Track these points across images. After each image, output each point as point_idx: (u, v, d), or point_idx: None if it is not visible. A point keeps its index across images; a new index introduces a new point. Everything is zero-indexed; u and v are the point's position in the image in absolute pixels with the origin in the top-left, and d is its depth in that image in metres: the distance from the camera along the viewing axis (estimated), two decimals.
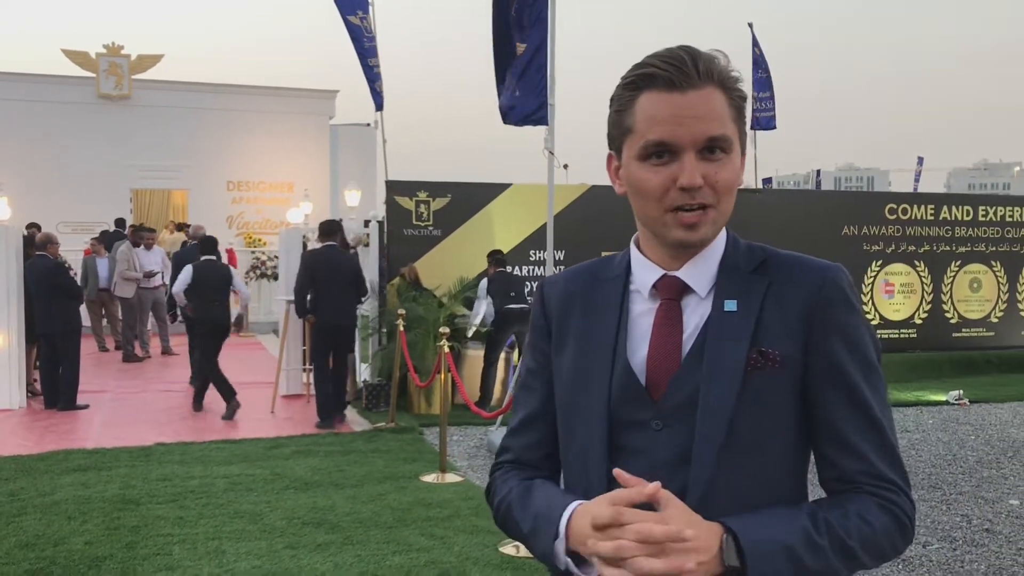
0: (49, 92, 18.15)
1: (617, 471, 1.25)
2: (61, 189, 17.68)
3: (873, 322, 12.13)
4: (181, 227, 17.28)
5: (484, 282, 9.59)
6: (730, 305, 1.35)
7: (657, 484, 1.21)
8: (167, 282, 14.01)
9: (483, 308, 9.42)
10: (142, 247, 13.43)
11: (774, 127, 16.48)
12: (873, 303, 12.15)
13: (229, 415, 9.03)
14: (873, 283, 12.16)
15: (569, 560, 1.31)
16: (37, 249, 9.55)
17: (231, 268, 10.35)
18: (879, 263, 12.19)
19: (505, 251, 10.25)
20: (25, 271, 9.50)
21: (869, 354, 1.35)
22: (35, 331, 9.49)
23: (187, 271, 9.35)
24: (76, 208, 17.64)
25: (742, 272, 1.38)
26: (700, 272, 1.38)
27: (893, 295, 12.27)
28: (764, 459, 1.33)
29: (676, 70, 1.29)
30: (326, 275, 8.62)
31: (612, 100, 1.39)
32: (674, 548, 1.17)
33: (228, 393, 9.13)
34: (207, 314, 9.27)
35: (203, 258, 9.55)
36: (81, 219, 17.42)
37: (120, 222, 16.94)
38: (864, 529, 1.28)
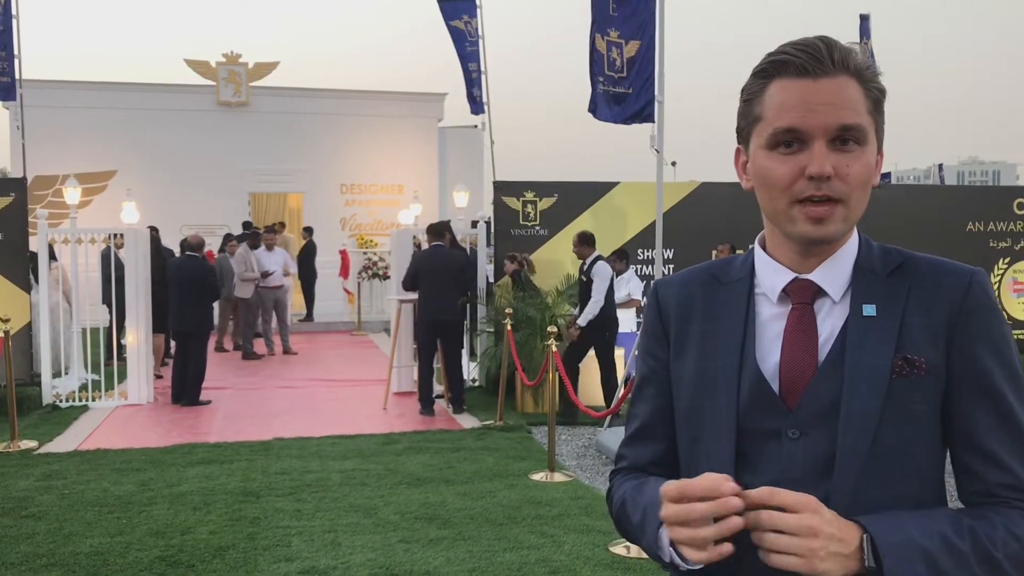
0: (172, 101, 18.89)
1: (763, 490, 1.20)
2: (182, 193, 18.38)
3: None
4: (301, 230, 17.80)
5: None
6: (868, 310, 1.30)
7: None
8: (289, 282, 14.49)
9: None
10: (263, 248, 13.86)
11: None
12: (1001, 302, 11.59)
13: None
14: (1000, 281, 11.62)
15: (672, 549, 1.27)
16: (192, 250, 9.98)
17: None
18: (1007, 260, 11.64)
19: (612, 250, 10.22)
20: (171, 270, 9.94)
21: (1014, 361, 1.29)
22: (171, 327, 9.93)
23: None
24: (197, 211, 18.32)
25: (878, 275, 1.32)
26: (834, 275, 1.33)
27: (1022, 293, 11.69)
28: (907, 469, 1.27)
29: (810, 57, 1.25)
30: (430, 274, 9.02)
31: (743, 90, 1.34)
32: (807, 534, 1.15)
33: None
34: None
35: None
36: (202, 222, 18.12)
37: (247, 224, 17.48)
38: (1012, 543, 1.21)
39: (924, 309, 1.29)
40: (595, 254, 9.02)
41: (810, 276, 1.33)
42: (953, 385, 1.28)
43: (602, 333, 8.81)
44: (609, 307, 8.88)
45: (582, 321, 8.76)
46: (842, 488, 1.24)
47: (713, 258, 10.44)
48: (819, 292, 1.33)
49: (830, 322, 1.32)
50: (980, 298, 1.29)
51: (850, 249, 1.34)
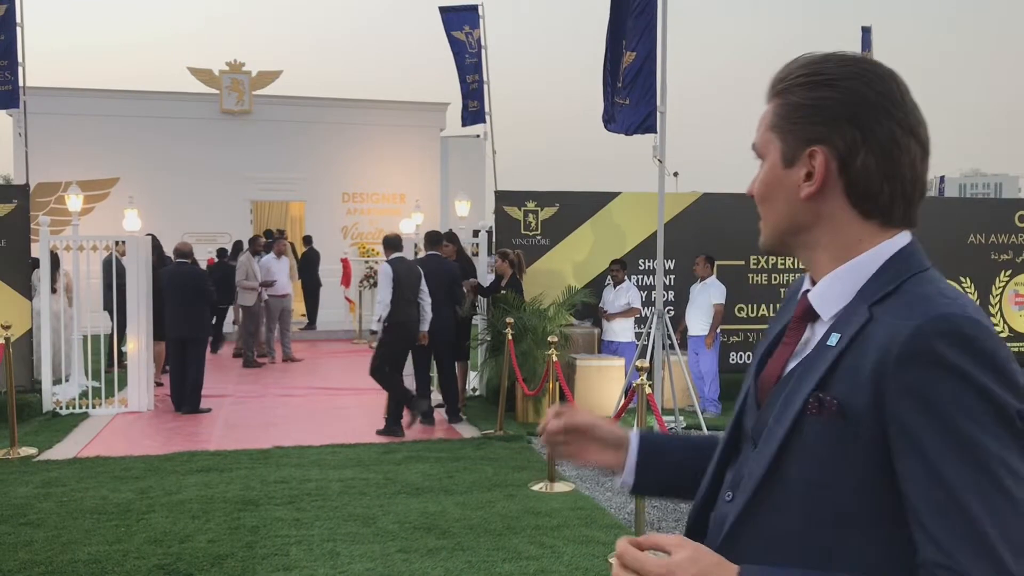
0: (175, 108, 18.94)
1: None
2: (185, 201, 18.41)
3: (1001, 334, 11.55)
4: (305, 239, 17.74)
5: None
6: (832, 339, 1.22)
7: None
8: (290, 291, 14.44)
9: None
10: (271, 255, 13.84)
11: None
12: (1002, 315, 11.58)
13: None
14: (1002, 294, 11.60)
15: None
16: (183, 257, 9.98)
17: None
18: (1008, 273, 11.62)
19: (612, 259, 10.24)
20: (165, 277, 9.94)
21: (957, 420, 1.08)
22: (167, 334, 9.92)
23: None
24: (199, 219, 18.36)
25: (865, 302, 1.22)
26: (830, 294, 1.27)
27: (1023, 307, 11.68)
28: (814, 510, 1.18)
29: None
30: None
31: None
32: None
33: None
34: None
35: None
36: (203, 230, 18.14)
37: (268, 233, 17.41)
38: None
39: (864, 350, 1.18)
40: (391, 256, 8.74)
41: (810, 292, 1.33)
42: (888, 440, 1.14)
43: (402, 336, 8.57)
44: (399, 311, 8.52)
45: (374, 327, 8.71)
46: (736, 507, 1.26)
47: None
48: (812, 309, 1.31)
49: (813, 342, 1.29)
50: (918, 348, 1.11)
51: (860, 268, 1.25)
